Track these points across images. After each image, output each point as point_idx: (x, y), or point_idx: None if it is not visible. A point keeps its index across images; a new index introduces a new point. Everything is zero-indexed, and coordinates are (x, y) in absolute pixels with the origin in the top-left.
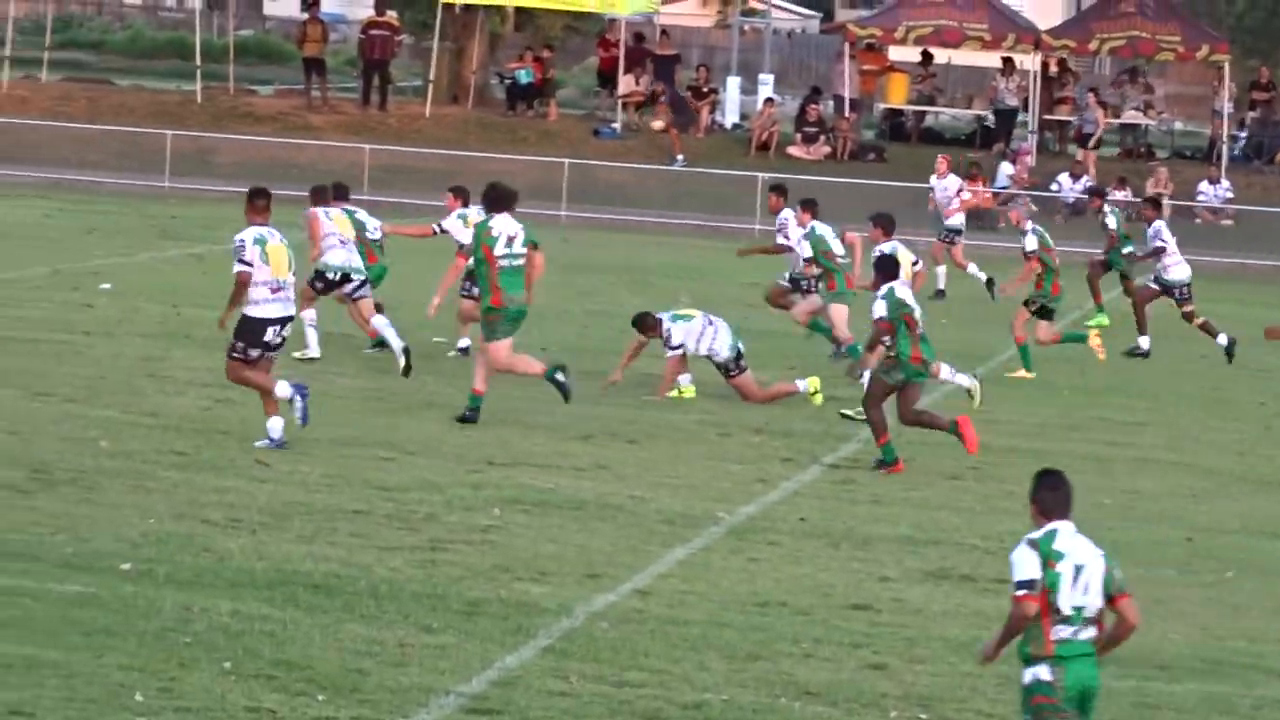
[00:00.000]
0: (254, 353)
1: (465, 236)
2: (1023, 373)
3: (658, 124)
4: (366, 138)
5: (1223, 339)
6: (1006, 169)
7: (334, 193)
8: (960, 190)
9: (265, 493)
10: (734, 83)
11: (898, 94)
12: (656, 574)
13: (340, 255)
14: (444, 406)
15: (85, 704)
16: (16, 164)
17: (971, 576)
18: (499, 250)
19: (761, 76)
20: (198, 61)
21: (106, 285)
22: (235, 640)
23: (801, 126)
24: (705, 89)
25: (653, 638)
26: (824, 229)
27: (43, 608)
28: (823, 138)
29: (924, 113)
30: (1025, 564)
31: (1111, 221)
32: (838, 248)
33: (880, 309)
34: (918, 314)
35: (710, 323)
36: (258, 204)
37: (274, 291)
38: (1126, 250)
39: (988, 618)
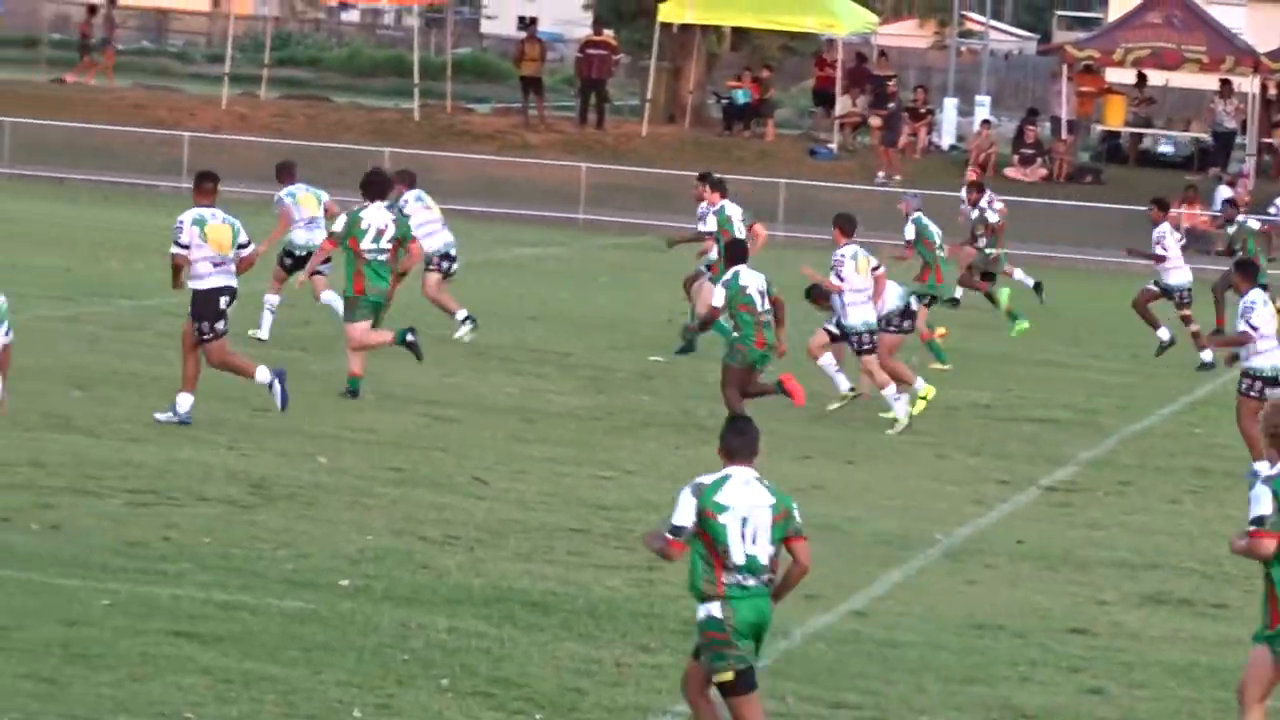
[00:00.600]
0: (220, 325)
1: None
2: (937, 365)
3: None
4: (583, 156)
5: (1206, 355)
6: (1224, 192)
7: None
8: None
9: (482, 510)
10: (950, 104)
11: (1115, 116)
12: (873, 595)
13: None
14: (663, 425)
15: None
16: (236, 181)
17: (1190, 601)
18: (366, 244)
19: (978, 98)
20: (416, 79)
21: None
22: (452, 657)
23: (1019, 148)
24: (923, 110)
25: (869, 659)
26: (733, 210)
27: (262, 623)
28: (1039, 160)
29: (1141, 135)
30: (681, 508)
31: None
32: (739, 231)
33: (719, 296)
34: (758, 303)
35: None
36: (205, 187)
37: (216, 265)
38: None
39: (1207, 642)
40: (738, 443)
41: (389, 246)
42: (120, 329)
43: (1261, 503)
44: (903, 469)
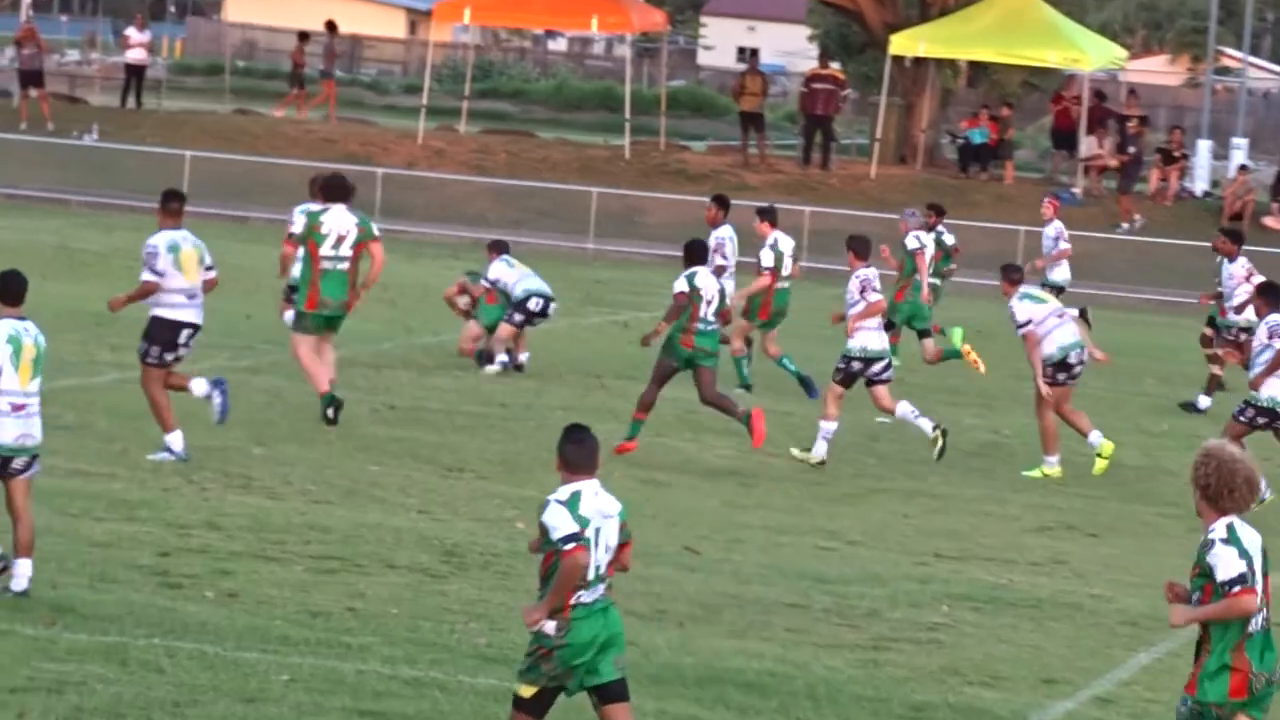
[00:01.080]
0: (168, 356)
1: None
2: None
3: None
4: (806, 198)
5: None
6: None
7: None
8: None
9: (694, 582)
10: (1204, 146)
11: None
12: (1119, 680)
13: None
14: (890, 491)
15: None
16: (433, 221)
17: None
18: (325, 250)
19: (1235, 140)
20: (627, 113)
21: (525, 355)
22: None
23: (1278, 195)
24: (1177, 153)
25: None
26: (786, 243)
27: (454, 702)
28: None
29: None
30: (562, 520)
31: None
32: (788, 267)
33: (680, 284)
34: (705, 307)
35: (1060, 316)
36: (171, 207)
37: (189, 298)
38: None
39: None
40: (578, 454)
41: (349, 254)
42: (304, 381)
43: (1228, 562)
44: (1150, 542)
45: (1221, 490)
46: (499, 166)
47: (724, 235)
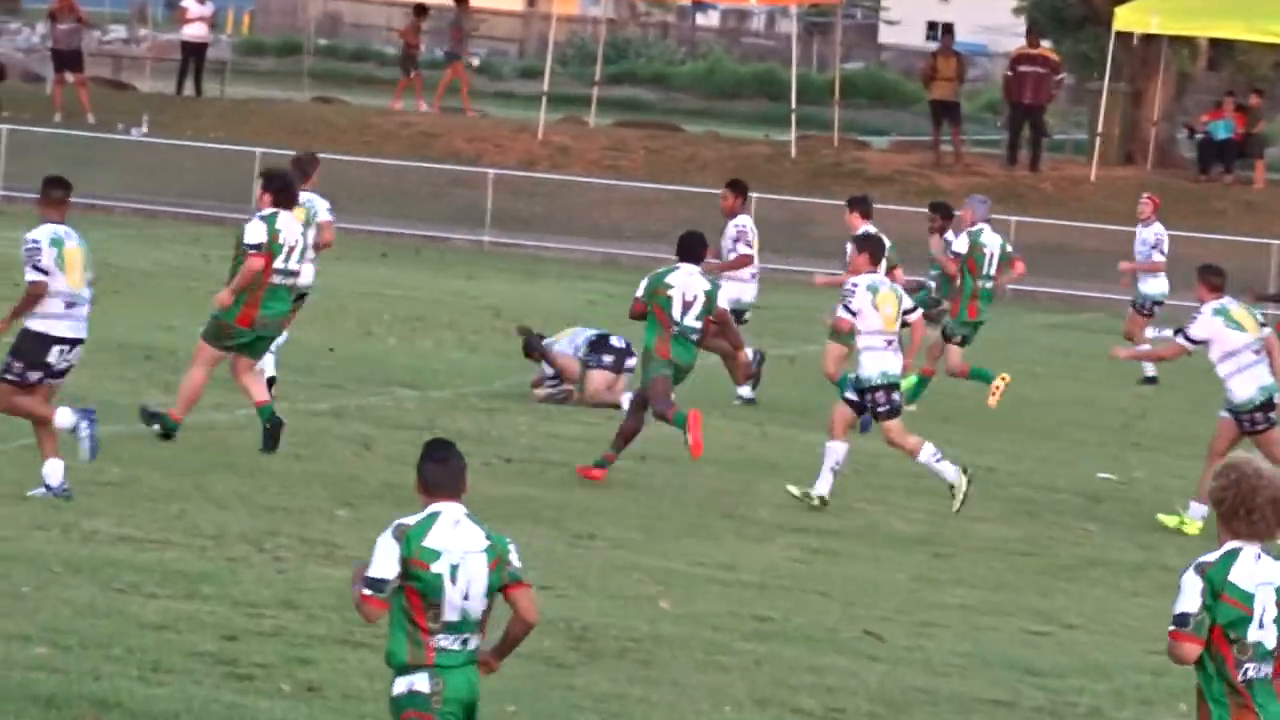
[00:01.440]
0: (33, 375)
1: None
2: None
3: None
4: (1012, 207)
5: None
6: None
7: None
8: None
9: (876, 674)
10: None
11: None
12: None
13: None
14: (1114, 564)
15: None
16: (555, 234)
17: None
18: (278, 263)
19: None
20: (793, 103)
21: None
22: None
23: None
24: None
25: None
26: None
27: None
28: None
29: None
30: (381, 558)
31: None
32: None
33: (641, 286)
34: (677, 311)
35: (1257, 352)
36: (53, 196)
37: (68, 307)
38: None
39: None
40: (438, 473)
41: (298, 269)
42: (399, 427)
43: (1187, 596)
44: None
45: (1237, 509)
46: (636, 167)
47: (744, 224)
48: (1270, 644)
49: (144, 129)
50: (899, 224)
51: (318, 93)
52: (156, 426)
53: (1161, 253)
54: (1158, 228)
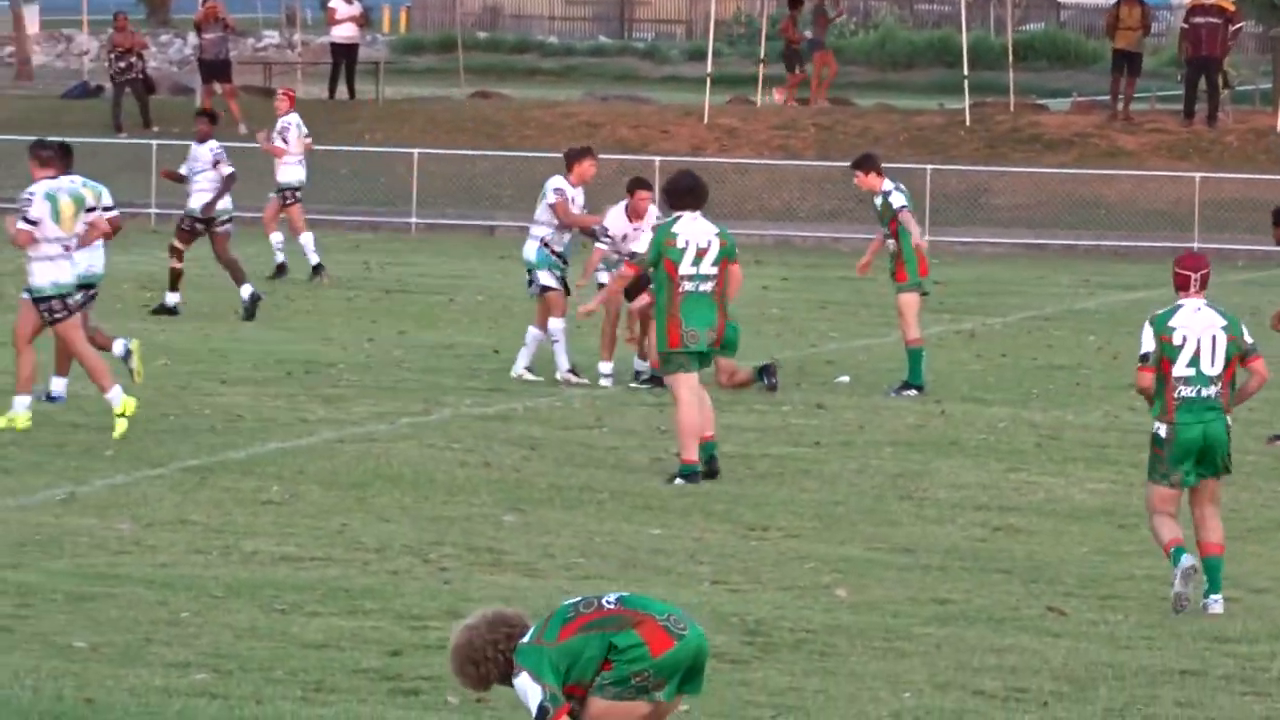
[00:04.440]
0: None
1: None
2: None
3: None
4: (1195, 163)
5: None
6: None
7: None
8: None
9: (1060, 651)
10: None
11: None
12: None
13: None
14: None
15: None
16: (727, 218)
17: None
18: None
19: None
20: (965, 69)
21: (844, 378)
22: None
23: None
24: None
25: None
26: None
27: None
28: None
29: None
30: None
31: None
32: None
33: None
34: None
35: None
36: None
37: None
38: None
39: None
40: None
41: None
42: (567, 428)
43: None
44: None
45: None
46: (807, 146)
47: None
48: None
49: None
50: (1078, 186)
51: (477, 88)
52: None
53: None
54: None
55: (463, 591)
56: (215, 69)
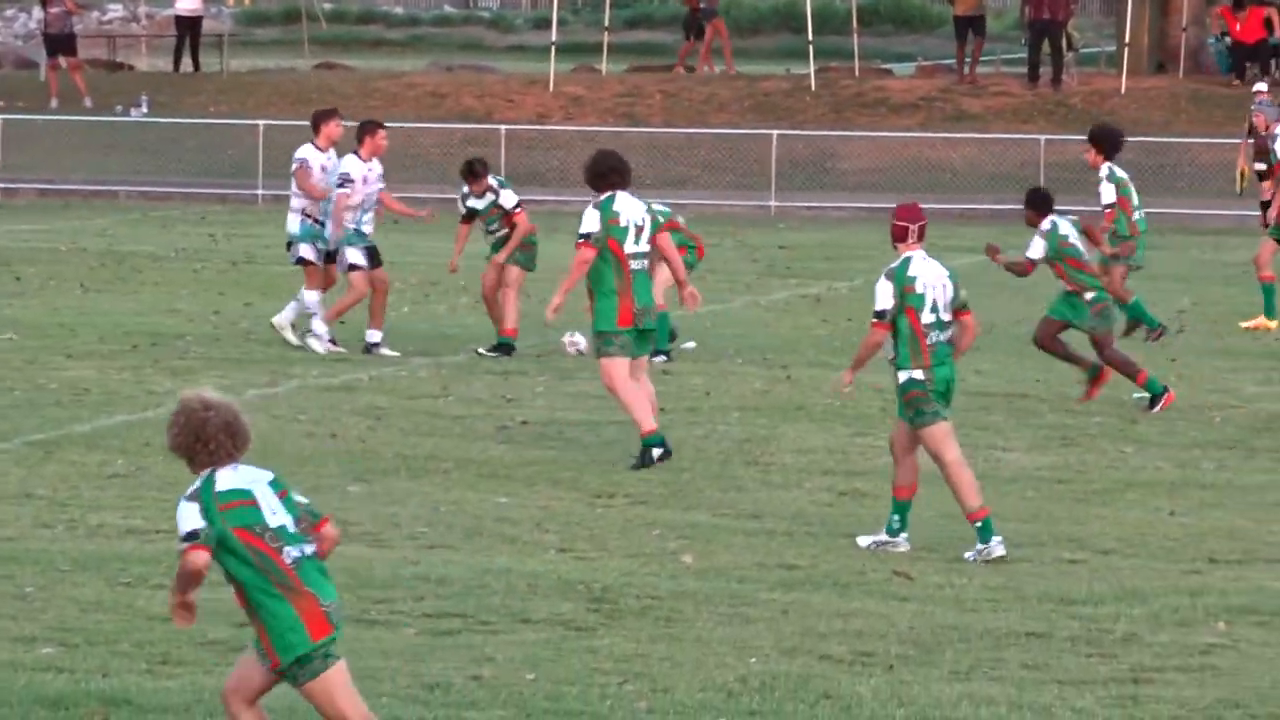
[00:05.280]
0: None
1: None
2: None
3: None
4: (1040, 126)
5: None
6: None
7: None
8: None
9: (906, 614)
10: None
11: None
12: None
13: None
14: (1150, 485)
15: None
16: (573, 187)
17: None
18: None
19: None
20: (809, 34)
21: (690, 344)
22: None
23: None
24: None
25: None
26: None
27: None
28: None
29: None
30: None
31: None
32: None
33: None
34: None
35: None
36: None
37: None
38: None
39: None
40: None
41: None
42: (413, 397)
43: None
44: None
45: None
46: (653, 113)
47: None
48: None
49: (144, 109)
50: (924, 150)
51: (322, 60)
52: None
53: None
54: None
55: None
56: (60, 43)
